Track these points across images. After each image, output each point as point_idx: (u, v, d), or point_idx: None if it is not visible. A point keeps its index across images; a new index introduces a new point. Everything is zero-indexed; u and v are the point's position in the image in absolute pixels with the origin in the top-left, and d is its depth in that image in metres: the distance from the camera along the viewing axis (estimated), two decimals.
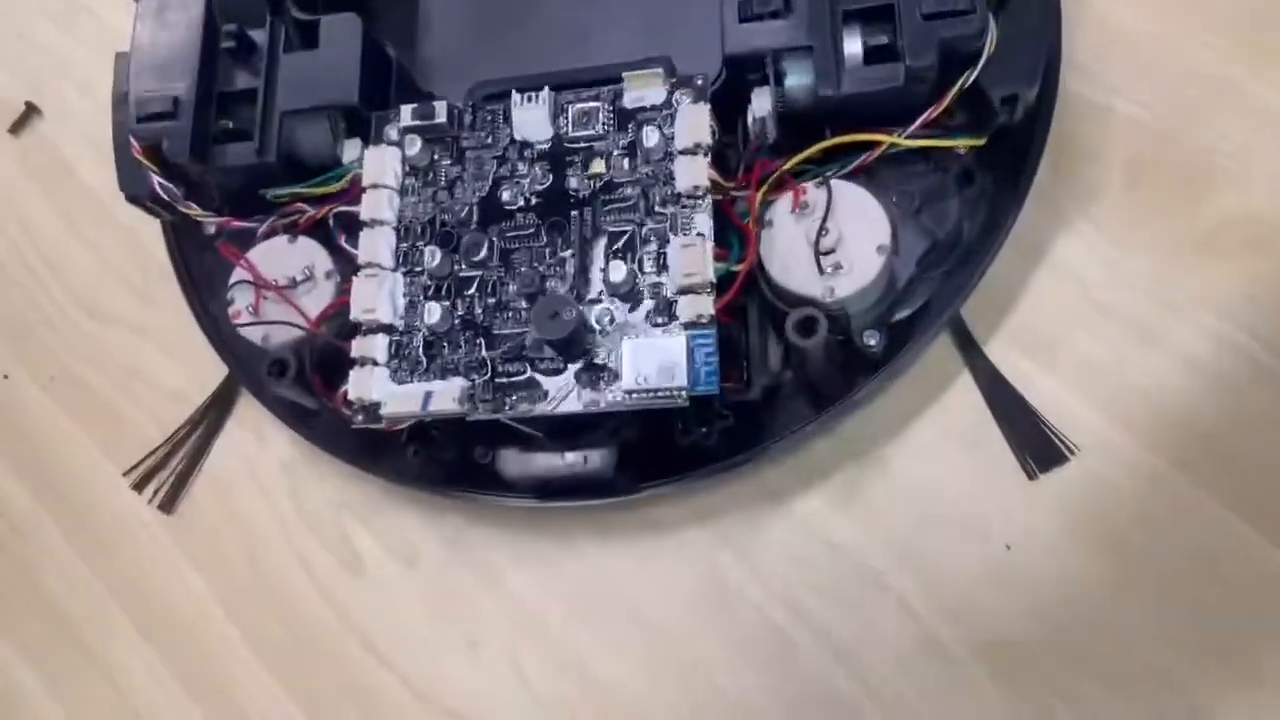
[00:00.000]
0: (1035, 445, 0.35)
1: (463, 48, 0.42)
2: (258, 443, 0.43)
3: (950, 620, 0.34)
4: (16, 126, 0.52)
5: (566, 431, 0.34)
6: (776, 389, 0.36)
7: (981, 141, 0.35)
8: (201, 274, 0.43)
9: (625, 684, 0.37)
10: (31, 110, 0.52)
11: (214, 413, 0.44)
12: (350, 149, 0.38)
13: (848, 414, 0.36)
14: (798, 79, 0.35)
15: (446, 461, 0.37)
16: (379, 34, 0.41)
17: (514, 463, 0.35)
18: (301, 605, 0.41)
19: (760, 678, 0.35)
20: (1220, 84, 0.37)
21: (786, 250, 0.33)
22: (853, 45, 0.34)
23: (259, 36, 0.38)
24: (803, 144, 0.36)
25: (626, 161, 0.34)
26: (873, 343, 0.34)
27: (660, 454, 0.35)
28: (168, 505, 0.43)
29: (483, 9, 0.42)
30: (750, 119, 0.36)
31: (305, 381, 0.36)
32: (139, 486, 0.44)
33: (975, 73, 0.33)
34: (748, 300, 0.35)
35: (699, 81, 0.35)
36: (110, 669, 0.43)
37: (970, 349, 0.36)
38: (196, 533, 0.43)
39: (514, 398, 0.33)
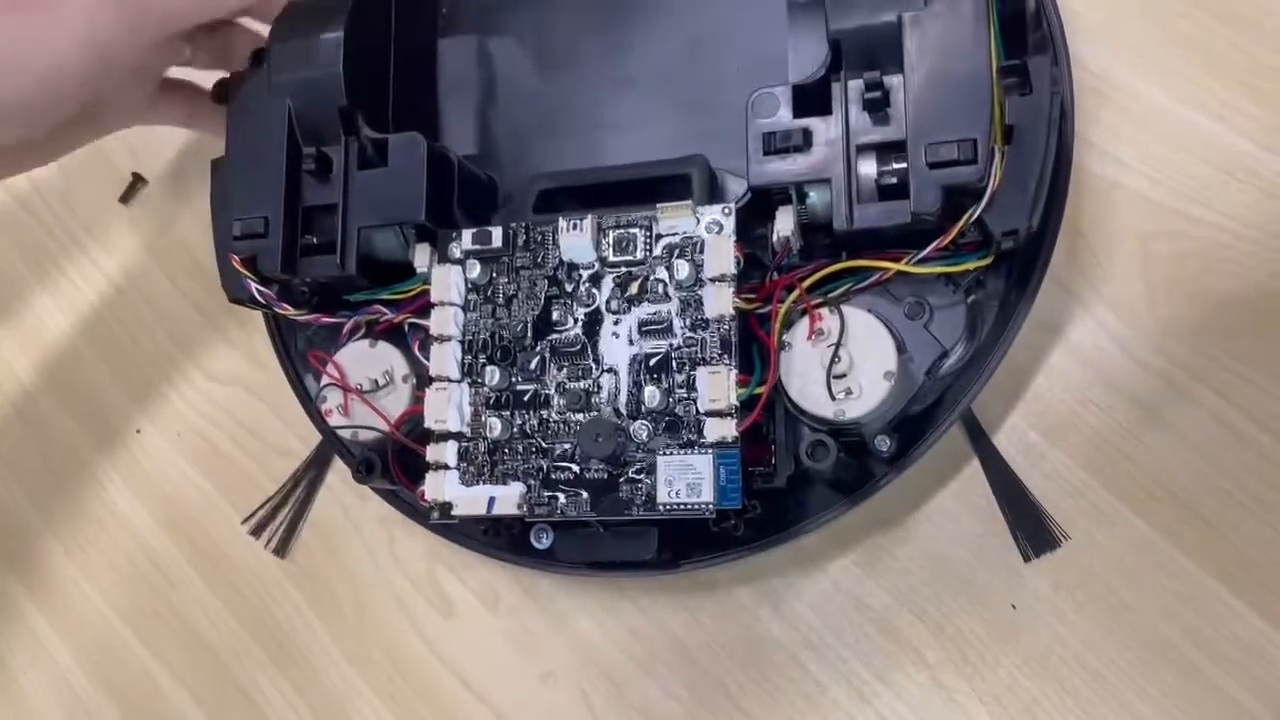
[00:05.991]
0: (1031, 530, 0.39)
1: (521, 137, 0.46)
2: (358, 499, 0.49)
3: (961, 671, 0.39)
4: (126, 196, 0.57)
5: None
6: (801, 476, 0.40)
7: (988, 262, 0.37)
8: (298, 351, 0.48)
9: (674, 716, 0.43)
10: (138, 180, 0.57)
11: (314, 470, 0.49)
12: (420, 254, 0.42)
13: (870, 494, 0.40)
14: (819, 195, 0.38)
15: (514, 536, 0.42)
16: (444, 137, 0.46)
17: (566, 545, 0.40)
18: (405, 644, 0.47)
19: (791, 716, 0.41)
20: (1234, 158, 0.39)
21: (803, 373, 0.37)
22: (867, 169, 0.37)
23: (334, 153, 0.43)
24: (827, 246, 0.39)
25: (661, 287, 0.38)
26: (884, 448, 0.38)
27: (697, 536, 0.40)
28: (281, 550, 0.49)
29: (539, 104, 0.46)
30: (775, 236, 0.39)
31: (389, 476, 0.42)
32: (256, 533, 0.50)
33: (978, 210, 0.35)
34: (776, 396, 0.39)
35: (725, 211, 0.38)
36: (256, 700, 0.49)
37: (979, 439, 0.40)
38: (309, 577, 0.49)
39: (564, 501, 0.38)
